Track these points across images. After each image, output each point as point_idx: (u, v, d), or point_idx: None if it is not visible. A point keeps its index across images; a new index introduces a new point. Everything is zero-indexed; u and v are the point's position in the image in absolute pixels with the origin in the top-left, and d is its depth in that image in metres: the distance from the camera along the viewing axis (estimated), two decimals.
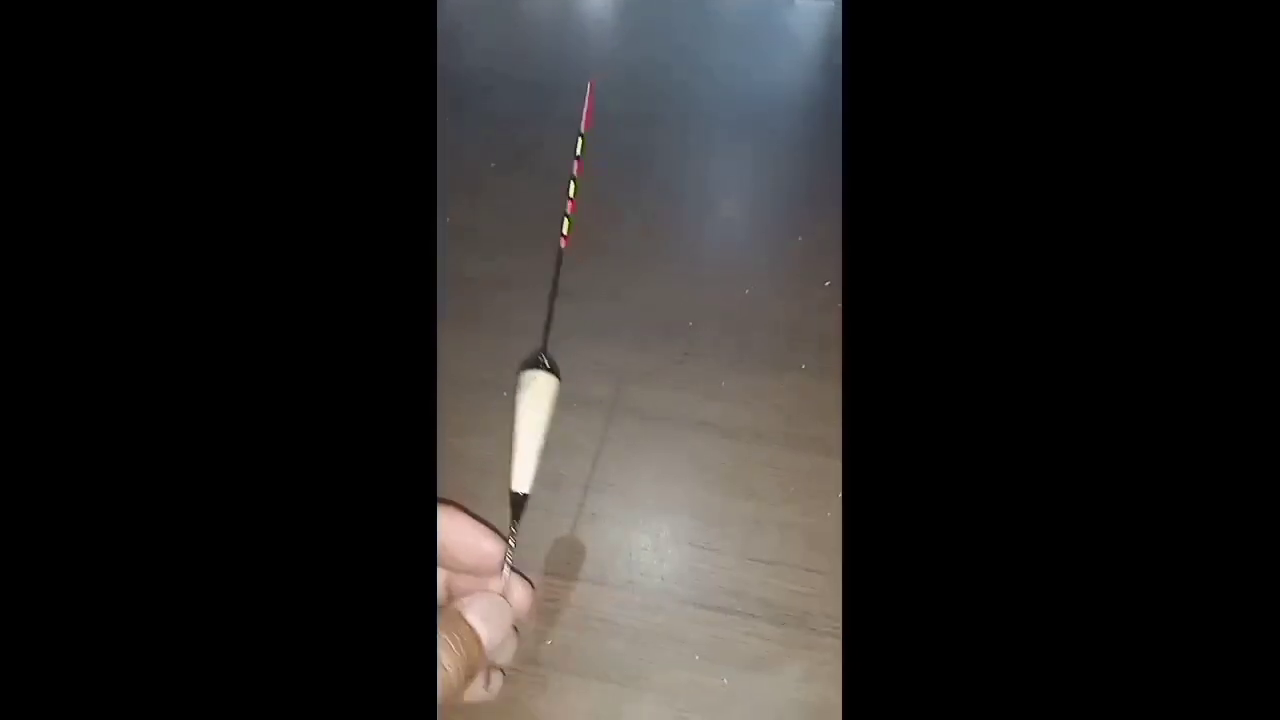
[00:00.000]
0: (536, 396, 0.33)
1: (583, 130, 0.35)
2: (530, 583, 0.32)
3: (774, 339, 0.49)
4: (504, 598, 0.29)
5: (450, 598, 0.31)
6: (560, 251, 0.35)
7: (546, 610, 0.35)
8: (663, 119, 0.73)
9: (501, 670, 0.31)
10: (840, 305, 0.48)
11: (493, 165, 0.64)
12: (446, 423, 0.42)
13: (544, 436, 0.33)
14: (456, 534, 0.30)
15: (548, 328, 0.35)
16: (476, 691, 0.28)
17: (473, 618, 0.26)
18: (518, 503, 0.32)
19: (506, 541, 0.31)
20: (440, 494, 0.34)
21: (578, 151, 0.34)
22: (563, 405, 0.35)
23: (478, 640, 0.26)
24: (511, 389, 0.32)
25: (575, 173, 0.35)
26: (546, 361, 0.34)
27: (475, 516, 0.31)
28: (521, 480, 0.32)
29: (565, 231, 0.35)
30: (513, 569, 0.31)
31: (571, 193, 0.35)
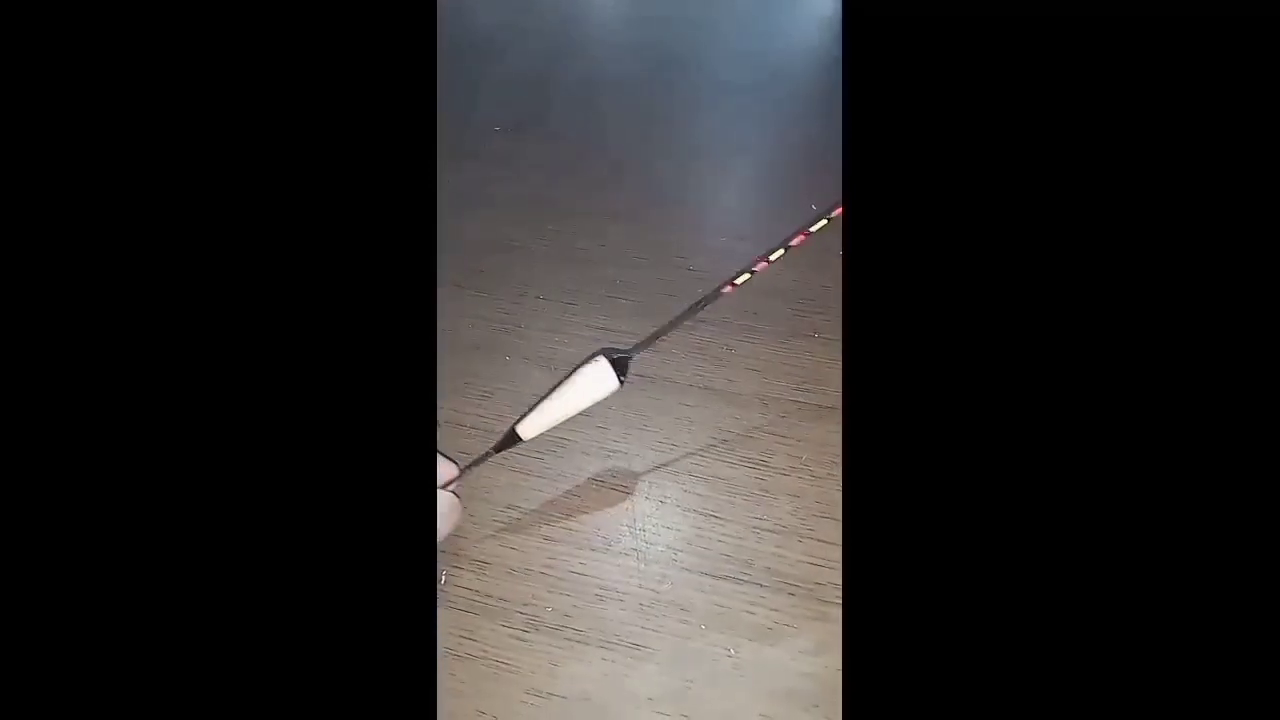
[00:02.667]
0: (593, 388, 0.34)
1: None
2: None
3: (785, 305, 0.47)
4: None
5: None
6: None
7: (548, 576, 0.34)
8: (671, 81, 0.71)
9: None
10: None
11: (497, 128, 0.63)
12: (445, 386, 0.41)
13: (570, 418, 0.35)
14: None
15: (655, 336, 0.36)
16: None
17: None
18: (510, 440, 0.34)
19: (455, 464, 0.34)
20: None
21: None
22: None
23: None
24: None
25: None
26: (621, 367, 0.34)
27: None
28: (530, 429, 0.34)
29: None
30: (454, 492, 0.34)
31: None
